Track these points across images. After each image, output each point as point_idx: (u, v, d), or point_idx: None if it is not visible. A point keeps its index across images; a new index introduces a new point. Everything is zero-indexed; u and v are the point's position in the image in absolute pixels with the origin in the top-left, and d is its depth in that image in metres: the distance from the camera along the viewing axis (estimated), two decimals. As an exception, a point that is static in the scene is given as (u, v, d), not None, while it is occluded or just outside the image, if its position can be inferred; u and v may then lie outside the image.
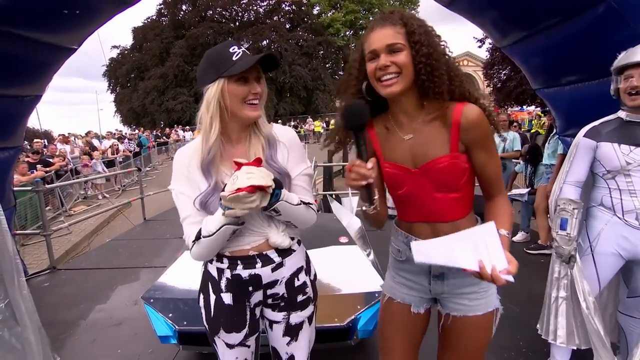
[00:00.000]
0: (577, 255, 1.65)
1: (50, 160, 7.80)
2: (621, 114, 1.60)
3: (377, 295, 1.86)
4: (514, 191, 4.10)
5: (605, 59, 1.63)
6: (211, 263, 1.12)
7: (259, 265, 1.09)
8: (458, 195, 1.02)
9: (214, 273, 1.12)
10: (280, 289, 1.14)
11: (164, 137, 18.01)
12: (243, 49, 1.02)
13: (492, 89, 19.73)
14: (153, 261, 3.63)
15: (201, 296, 1.15)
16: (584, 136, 1.65)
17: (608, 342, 1.64)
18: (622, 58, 1.55)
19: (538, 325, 1.87)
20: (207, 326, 1.15)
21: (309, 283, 1.20)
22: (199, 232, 1.02)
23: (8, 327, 1.51)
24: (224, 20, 28.88)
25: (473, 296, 1.05)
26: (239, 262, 1.08)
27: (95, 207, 7.46)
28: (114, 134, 12.44)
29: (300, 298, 1.17)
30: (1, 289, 1.50)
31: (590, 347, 1.69)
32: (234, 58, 0.99)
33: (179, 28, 28.09)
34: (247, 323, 1.14)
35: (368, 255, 2.44)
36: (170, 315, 1.73)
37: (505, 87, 16.67)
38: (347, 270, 2.08)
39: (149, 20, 28.95)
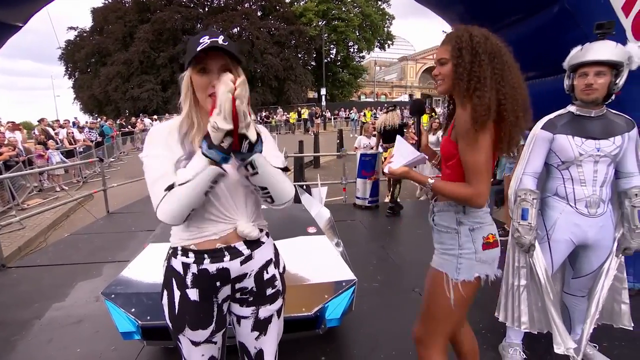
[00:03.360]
0: (537, 243, 1.73)
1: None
2: (571, 108, 1.69)
3: (344, 284, 1.89)
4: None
5: (559, 56, 1.72)
6: (175, 257, 1.07)
7: (227, 258, 1.05)
8: (448, 172, 1.27)
9: (179, 268, 1.06)
10: (249, 283, 1.11)
11: (129, 127, 17.19)
12: (215, 39, 0.97)
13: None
14: (117, 255, 3.48)
15: (164, 293, 1.09)
16: (541, 128, 1.72)
17: (564, 326, 1.75)
18: (576, 56, 1.62)
19: (497, 313, 1.94)
20: (170, 324, 1.09)
21: (277, 276, 1.18)
22: (173, 184, 0.93)
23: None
24: (192, 5, 27.71)
25: (437, 252, 1.33)
26: (205, 256, 1.04)
27: (53, 200, 7.01)
28: (63, 123, 11.60)
29: (269, 291, 1.15)
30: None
31: (548, 330, 1.80)
32: (198, 48, 0.95)
33: (143, 11, 26.65)
34: (214, 319, 1.10)
35: (337, 245, 2.47)
36: (133, 310, 1.67)
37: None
38: (314, 260, 2.10)
39: (110, 1, 27.23)
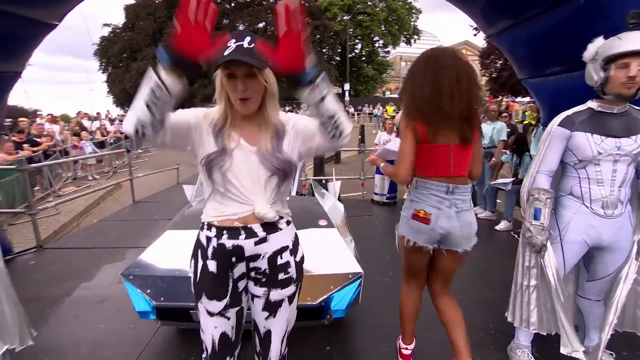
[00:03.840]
0: (548, 243, 1.68)
1: (38, 140, 7.71)
2: (592, 104, 1.60)
3: (350, 276, 1.92)
4: (499, 180, 4.17)
5: (585, 49, 1.61)
6: (202, 231, 1.18)
7: (242, 237, 1.14)
8: None
9: (204, 241, 1.17)
10: (263, 264, 1.18)
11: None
12: (241, 42, 1.02)
13: (487, 78, 19.66)
14: (140, 242, 3.66)
15: (192, 262, 1.21)
16: (558, 125, 1.65)
17: (572, 328, 1.72)
18: (614, 45, 1.47)
19: (507, 314, 1.92)
20: (193, 291, 1.20)
21: (292, 263, 1.23)
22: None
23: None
24: (219, 1, 28.15)
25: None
26: (224, 232, 1.14)
27: (85, 188, 7.42)
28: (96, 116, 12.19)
29: (281, 276, 1.21)
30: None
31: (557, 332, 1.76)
32: (225, 52, 1.01)
33: (172, 7, 27.32)
34: (229, 293, 1.18)
35: (348, 239, 2.49)
36: (149, 291, 1.78)
37: (500, 77, 16.66)
38: (323, 251, 2.13)
39: (141, -2, 28.12)
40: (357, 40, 32.80)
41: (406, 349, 1.86)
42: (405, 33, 34.35)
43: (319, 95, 0.97)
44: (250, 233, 1.14)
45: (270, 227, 1.17)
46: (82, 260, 3.25)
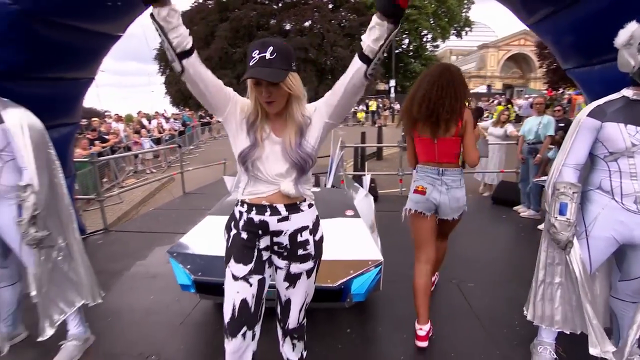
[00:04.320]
0: (575, 239, 1.61)
1: (106, 137, 8.65)
2: (627, 92, 1.53)
3: (370, 263, 2.02)
4: (544, 178, 3.98)
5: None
6: (236, 207, 1.36)
7: (267, 213, 1.30)
8: None
9: (237, 215, 1.35)
10: (284, 240, 1.33)
11: (208, 117, 18.90)
12: (264, 54, 1.14)
13: (546, 69, 18.24)
14: (187, 228, 3.98)
15: (225, 232, 1.39)
16: (587, 116, 1.57)
17: (601, 327, 1.64)
18: None
19: (525, 311, 1.88)
20: (225, 257, 1.37)
21: (311, 242, 1.37)
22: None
23: (67, 262, 1.89)
24: (267, 2, 29.02)
25: None
26: (253, 208, 1.30)
27: (143, 180, 8.20)
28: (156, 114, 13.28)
29: (300, 252, 1.36)
30: (62, 232, 1.87)
31: (582, 331, 1.70)
32: (250, 63, 1.15)
33: (223, 11, 28.64)
34: (254, 260, 1.34)
35: (373, 230, 2.59)
36: (189, 266, 2.03)
37: (559, 68, 15.38)
38: (346, 240, 2.24)
39: (196, 4, 29.85)
40: (404, 35, 32.01)
41: (420, 329, 1.98)
42: (455, 25, 32.86)
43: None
44: (275, 211, 1.30)
45: (293, 207, 1.31)
46: (138, 242, 3.67)
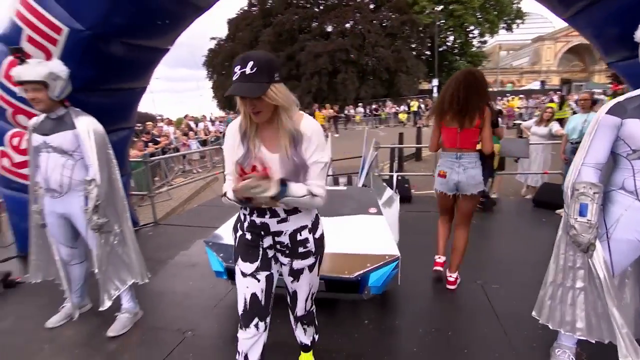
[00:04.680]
0: (597, 242, 1.53)
1: (158, 139, 9.43)
2: None
3: (387, 257, 2.12)
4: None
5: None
6: (240, 209, 1.47)
7: (267, 216, 1.38)
8: None
9: (242, 217, 1.46)
10: (285, 239, 1.41)
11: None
12: (244, 70, 1.18)
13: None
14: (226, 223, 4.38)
15: (233, 233, 1.53)
16: (606, 113, 1.52)
17: (631, 335, 1.55)
18: None
19: (534, 313, 1.82)
20: (233, 255, 1.50)
21: (311, 240, 1.44)
22: (226, 192, 1.37)
23: (121, 246, 2.21)
24: (308, 5, 29.55)
25: None
26: (255, 211, 1.39)
27: (190, 179, 8.83)
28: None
29: (301, 250, 1.44)
30: (117, 220, 2.20)
31: (610, 341, 1.60)
32: (233, 78, 1.21)
33: (267, 16, 29.65)
34: (259, 258, 1.44)
35: (395, 226, 2.67)
36: (222, 255, 2.27)
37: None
38: (367, 235, 2.36)
39: (241, 11, 31.17)
40: (449, 32, 30.93)
41: (439, 257, 2.77)
42: (505, 18, 31.13)
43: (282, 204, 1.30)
44: (274, 213, 1.37)
45: (291, 210, 1.37)
46: (182, 235, 4.05)
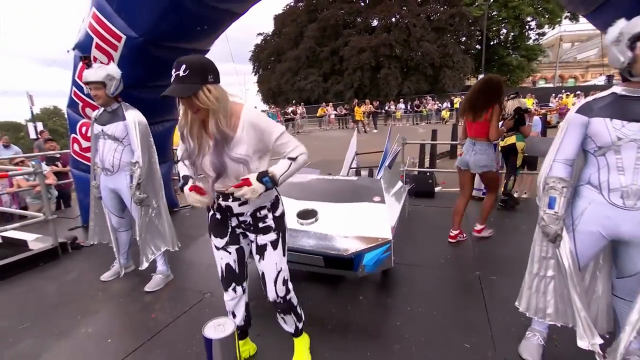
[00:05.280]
0: (564, 233, 1.65)
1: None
2: (616, 88, 1.56)
3: (379, 240, 2.35)
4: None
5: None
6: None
7: (230, 200, 1.54)
8: None
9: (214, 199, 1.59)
10: (247, 218, 1.59)
11: (292, 114, 20.30)
12: (177, 72, 1.30)
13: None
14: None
15: (207, 212, 1.67)
16: (576, 112, 1.62)
17: (589, 320, 1.66)
18: None
19: (517, 303, 1.93)
20: (208, 231, 1.69)
21: (270, 216, 1.60)
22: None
23: (157, 218, 2.68)
24: (354, 0, 29.47)
25: None
26: (220, 196, 1.56)
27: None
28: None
29: (261, 225, 1.60)
30: (155, 196, 2.66)
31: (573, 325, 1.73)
32: (171, 80, 1.32)
33: (312, 12, 30.04)
34: (228, 234, 1.64)
35: (396, 215, 2.88)
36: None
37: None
38: (367, 220, 2.59)
39: (287, 7, 31.85)
40: (502, 25, 29.16)
41: (452, 231, 3.46)
42: (568, 8, 28.64)
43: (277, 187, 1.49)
44: (235, 198, 1.51)
45: None
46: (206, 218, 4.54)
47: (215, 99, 1.36)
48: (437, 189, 6.42)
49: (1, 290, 2.81)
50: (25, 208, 5.25)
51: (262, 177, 1.43)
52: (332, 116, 21.32)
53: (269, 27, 48.62)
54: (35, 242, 3.40)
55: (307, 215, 2.62)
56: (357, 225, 2.54)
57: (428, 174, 6.19)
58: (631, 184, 1.50)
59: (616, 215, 1.55)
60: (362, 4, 29.25)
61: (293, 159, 1.49)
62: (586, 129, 1.60)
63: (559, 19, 28.80)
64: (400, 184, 3.69)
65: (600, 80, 29.34)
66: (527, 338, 1.97)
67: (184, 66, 1.30)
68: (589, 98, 1.65)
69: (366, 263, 2.35)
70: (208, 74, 1.35)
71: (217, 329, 1.50)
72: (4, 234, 3.49)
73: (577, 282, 1.64)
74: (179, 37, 3.47)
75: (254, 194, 1.41)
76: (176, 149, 5.84)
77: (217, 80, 1.39)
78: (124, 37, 3.24)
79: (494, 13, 27.54)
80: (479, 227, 3.57)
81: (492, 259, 3.14)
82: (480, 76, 20.34)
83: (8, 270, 2.96)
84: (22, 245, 3.37)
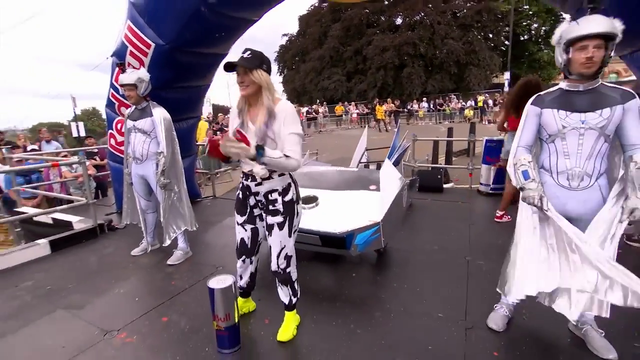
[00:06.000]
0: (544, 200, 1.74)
1: (226, 128, 10.78)
2: (562, 84, 1.77)
3: (369, 222, 2.63)
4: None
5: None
6: (241, 178, 1.91)
7: (249, 180, 1.84)
8: None
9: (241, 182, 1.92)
10: (261, 198, 1.84)
11: (314, 113, 20.65)
12: (243, 54, 1.69)
13: None
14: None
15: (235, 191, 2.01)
16: (531, 104, 1.84)
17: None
18: (573, 29, 1.63)
19: (498, 288, 2.08)
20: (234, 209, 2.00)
21: (280, 201, 1.82)
22: None
23: (178, 201, 3.10)
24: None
25: None
26: (243, 176, 1.87)
27: (252, 165, 9.98)
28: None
29: (271, 207, 1.84)
30: (176, 182, 3.08)
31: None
32: (237, 60, 1.68)
33: (337, 11, 30.16)
34: (247, 212, 1.93)
35: (388, 203, 3.14)
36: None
37: None
38: (360, 205, 2.88)
39: (312, 7, 32.18)
40: (533, 19, 28.11)
41: (497, 212, 4.04)
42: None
43: (263, 165, 1.66)
44: (253, 178, 1.81)
45: (266, 177, 1.78)
46: (233, 207, 4.96)
47: (266, 80, 1.71)
48: (448, 185, 6.56)
49: (54, 259, 3.37)
50: (68, 197, 5.91)
51: (260, 148, 1.60)
52: (355, 115, 21.48)
53: (294, 28, 49.18)
54: (79, 223, 3.95)
55: (309, 200, 2.96)
56: (352, 209, 2.84)
57: (440, 169, 6.34)
58: (574, 167, 1.72)
59: (563, 195, 1.78)
60: (386, 2, 29.09)
61: (287, 156, 1.69)
62: (539, 119, 1.83)
63: (599, 5, 27.23)
64: (399, 175, 3.94)
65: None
66: (495, 310, 2.20)
67: (248, 52, 1.69)
68: (542, 92, 1.87)
69: (357, 242, 2.64)
70: (264, 63, 1.71)
71: (219, 282, 1.86)
72: (53, 215, 4.08)
73: (577, 233, 1.71)
74: (201, 43, 3.89)
75: (243, 153, 1.56)
76: (199, 144, 6.35)
77: (269, 72, 1.74)
78: (153, 45, 3.70)
79: (524, 7, 26.62)
80: (499, 213, 3.99)
81: (485, 247, 3.32)
82: (506, 74, 19.64)
83: (58, 244, 3.51)
84: (68, 225, 3.92)
